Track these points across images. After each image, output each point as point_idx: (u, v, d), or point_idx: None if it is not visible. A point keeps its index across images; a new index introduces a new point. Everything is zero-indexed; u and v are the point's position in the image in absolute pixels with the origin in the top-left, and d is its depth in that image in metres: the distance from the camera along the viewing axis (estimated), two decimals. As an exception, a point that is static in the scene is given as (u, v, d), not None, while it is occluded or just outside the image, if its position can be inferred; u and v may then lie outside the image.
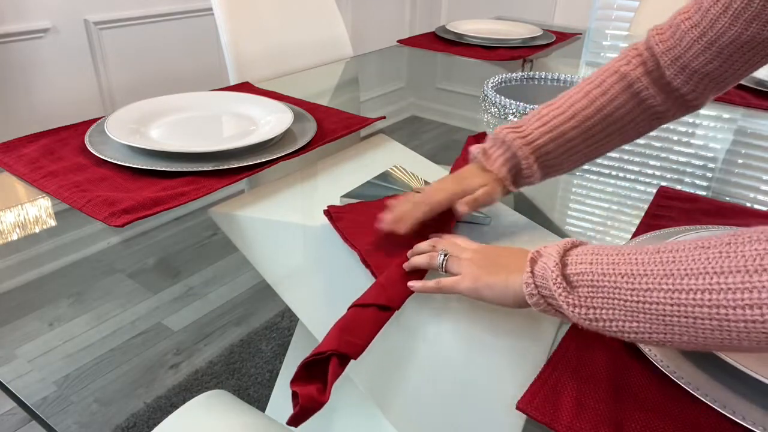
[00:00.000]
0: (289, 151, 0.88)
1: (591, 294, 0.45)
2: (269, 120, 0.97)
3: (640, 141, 1.06)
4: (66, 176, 0.79)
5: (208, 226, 0.76)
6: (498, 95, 1.17)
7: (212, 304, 1.56)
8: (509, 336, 0.56)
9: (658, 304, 0.42)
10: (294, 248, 0.70)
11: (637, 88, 0.66)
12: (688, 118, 1.18)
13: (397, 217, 0.66)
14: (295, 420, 0.44)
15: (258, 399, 1.32)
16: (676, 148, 1.03)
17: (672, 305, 0.41)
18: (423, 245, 0.63)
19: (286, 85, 1.29)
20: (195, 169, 0.81)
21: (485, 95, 1.21)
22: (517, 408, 0.46)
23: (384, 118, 1.07)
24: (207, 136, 0.92)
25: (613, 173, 0.93)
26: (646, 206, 0.79)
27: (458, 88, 1.37)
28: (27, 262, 0.79)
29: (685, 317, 0.40)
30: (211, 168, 0.81)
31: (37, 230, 0.77)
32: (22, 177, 0.80)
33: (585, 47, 1.73)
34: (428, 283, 0.58)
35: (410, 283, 0.58)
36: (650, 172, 0.93)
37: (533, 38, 1.67)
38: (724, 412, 0.46)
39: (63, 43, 1.86)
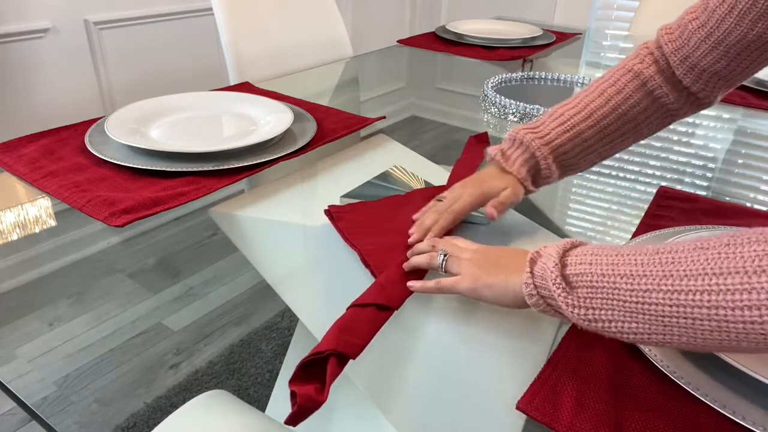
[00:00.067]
0: (289, 151, 0.88)
1: (590, 294, 0.45)
2: (269, 120, 0.97)
3: (641, 141, 1.05)
4: (66, 176, 0.79)
5: (208, 226, 0.76)
6: (498, 95, 1.17)
7: (212, 304, 1.56)
8: (509, 336, 0.56)
9: (657, 304, 0.42)
10: (294, 248, 0.70)
11: (650, 86, 0.67)
12: (688, 118, 1.18)
13: (425, 229, 0.66)
14: (293, 419, 0.44)
15: (258, 399, 1.32)
16: (676, 148, 1.03)
17: (671, 306, 0.41)
18: (423, 245, 0.63)
19: (286, 85, 1.29)
20: (195, 169, 0.81)
21: (485, 95, 1.21)
22: (517, 408, 0.46)
23: (384, 118, 1.07)
24: (207, 136, 0.92)
25: (613, 173, 0.93)
26: (646, 206, 0.79)
27: (458, 88, 1.37)
28: (27, 262, 0.79)
29: (684, 318, 0.40)
30: (211, 168, 0.81)
31: (37, 230, 0.77)
32: (22, 177, 0.80)
33: (585, 47, 1.73)
34: (428, 283, 0.58)
35: (410, 283, 0.58)
36: (650, 172, 0.93)
37: (533, 38, 1.67)
38: (724, 412, 0.46)
39: (63, 43, 1.86)
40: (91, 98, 1.99)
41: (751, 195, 0.87)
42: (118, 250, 0.89)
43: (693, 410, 0.46)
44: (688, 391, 0.47)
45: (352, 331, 0.51)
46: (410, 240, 0.67)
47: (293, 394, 0.45)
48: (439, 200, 0.70)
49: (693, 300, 0.40)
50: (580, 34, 1.85)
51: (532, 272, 0.50)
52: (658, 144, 1.05)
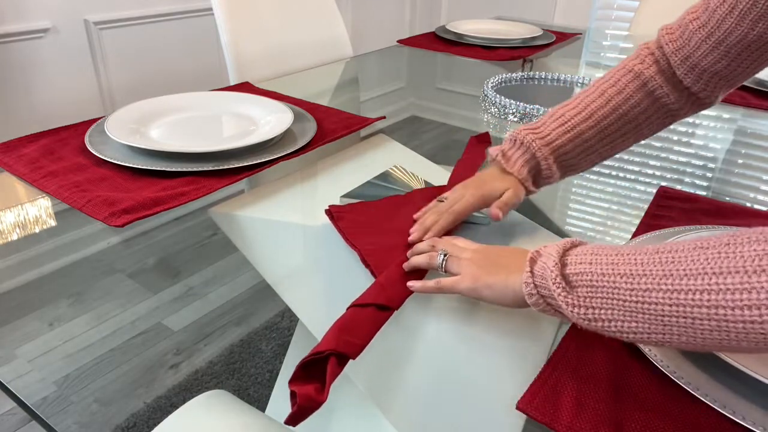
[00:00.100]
0: (289, 151, 0.88)
1: (590, 294, 0.45)
2: (269, 120, 0.97)
3: (641, 141, 1.05)
4: (66, 176, 0.79)
5: (208, 226, 0.76)
6: (498, 95, 1.17)
7: (212, 304, 1.56)
8: (509, 336, 0.56)
9: (656, 304, 0.42)
10: (294, 248, 0.70)
11: (651, 86, 0.67)
12: (688, 118, 1.18)
13: (425, 229, 0.67)
14: (293, 419, 0.44)
15: (258, 399, 1.32)
16: (676, 148, 1.03)
17: (671, 305, 0.41)
18: (422, 245, 0.63)
19: (286, 85, 1.29)
20: (195, 169, 0.81)
21: (485, 95, 1.21)
22: (517, 408, 0.46)
23: (384, 118, 1.07)
24: (207, 136, 0.92)
25: (613, 173, 0.93)
26: (646, 206, 0.79)
27: (458, 88, 1.37)
28: (27, 262, 0.79)
29: (684, 317, 0.40)
30: (211, 168, 0.81)
31: (37, 230, 0.77)
32: (22, 177, 0.80)
33: (585, 47, 1.73)
34: (428, 283, 0.58)
35: (410, 283, 0.58)
36: (650, 172, 0.93)
37: (533, 38, 1.67)
38: (724, 412, 0.46)
39: (63, 43, 1.86)
40: (91, 98, 1.99)
41: (751, 195, 0.87)
42: (118, 250, 0.89)
43: (693, 410, 0.46)
44: (688, 391, 0.47)
45: (352, 331, 0.51)
46: (410, 239, 0.67)
47: (293, 394, 0.45)
48: (441, 201, 0.70)
49: (693, 299, 0.40)
50: (580, 34, 1.85)
51: (532, 272, 0.50)
52: (658, 144, 1.05)
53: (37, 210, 0.79)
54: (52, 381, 1.28)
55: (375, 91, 1.33)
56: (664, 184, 0.87)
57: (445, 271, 0.59)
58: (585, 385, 0.48)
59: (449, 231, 0.69)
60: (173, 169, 0.81)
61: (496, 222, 0.74)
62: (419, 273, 0.61)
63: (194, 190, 0.77)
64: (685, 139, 1.07)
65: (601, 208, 0.83)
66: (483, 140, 0.97)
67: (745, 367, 0.47)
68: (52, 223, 0.78)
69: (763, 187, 0.90)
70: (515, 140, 0.71)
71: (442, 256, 0.59)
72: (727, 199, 0.85)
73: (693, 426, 0.45)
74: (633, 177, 0.91)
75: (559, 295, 0.47)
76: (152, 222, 0.74)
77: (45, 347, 1.32)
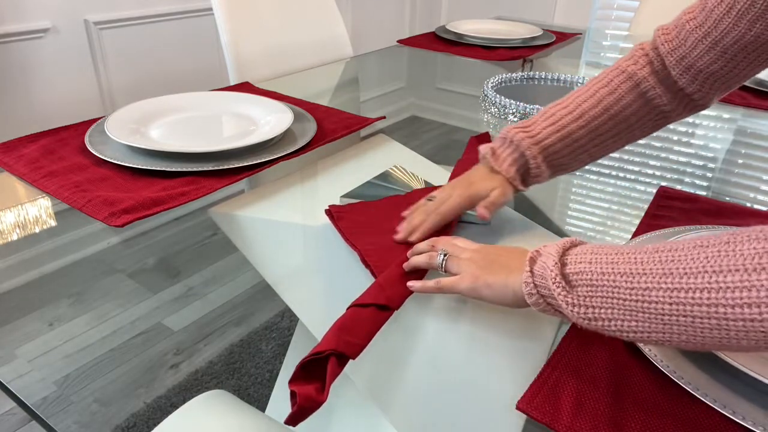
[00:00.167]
0: (289, 151, 0.88)
1: (590, 293, 0.45)
2: (269, 120, 0.97)
3: (640, 141, 1.05)
4: (66, 176, 0.79)
5: (208, 226, 0.76)
6: (498, 95, 1.17)
7: (212, 304, 1.56)
8: (509, 336, 0.56)
9: (656, 303, 0.42)
10: (294, 248, 0.70)
11: (644, 87, 0.66)
12: (688, 118, 1.18)
13: (412, 228, 0.67)
14: (293, 419, 0.44)
15: (258, 399, 1.32)
16: (676, 148, 1.03)
17: (671, 304, 0.41)
18: (422, 245, 0.63)
19: (286, 85, 1.29)
20: (195, 169, 0.81)
21: (485, 95, 1.21)
22: (517, 408, 0.46)
23: (384, 118, 1.07)
24: (207, 136, 0.92)
25: (613, 173, 0.93)
26: (646, 206, 0.79)
27: (458, 88, 1.37)
28: (27, 262, 0.79)
29: (684, 316, 0.40)
30: (211, 168, 0.81)
31: (37, 230, 0.77)
32: (22, 177, 0.80)
33: (585, 47, 1.73)
34: (428, 283, 0.58)
35: (410, 283, 0.58)
36: (650, 172, 0.93)
37: (533, 38, 1.67)
38: (724, 412, 0.46)
39: (63, 43, 1.86)
40: (91, 98, 1.99)
41: (751, 195, 0.87)
42: (118, 250, 0.89)
43: (693, 410, 0.46)
44: (688, 391, 0.47)
45: (352, 331, 0.51)
46: (396, 238, 0.67)
47: (293, 394, 0.45)
48: (430, 199, 0.70)
49: (692, 298, 0.40)
50: (580, 34, 1.85)
51: (531, 271, 0.50)
52: (658, 144, 1.05)
53: (37, 210, 0.79)
54: (52, 381, 1.28)
55: (375, 91, 1.33)
56: (664, 184, 0.87)
57: (445, 271, 0.59)
58: (585, 385, 0.48)
59: (446, 231, 0.69)
60: (173, 169, 0.81)
61: (495, 222, 0.74)
62: (419, 273, 0.61)
63: (194, 190, 0.77)
64: (685, 139, 1.07)
65: (601, 208, 0.83)
66: (483, 140, 0.97)
67: (745, 367, 0.47)
68: (52, 223, 0.78)
69: (763, 187, 0.90)
70: (505, 138, 0.71)
71: (442, 255, 0.59)
72: (727, 199, 0.85)
73: (693, 426, 0.45)
74: (633, 177, 0.91)
75: (559, 294, 0.47)
76: (152, 222, 0.74)
77: (45, 347, 1.32)
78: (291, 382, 0.46)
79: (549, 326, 0.57)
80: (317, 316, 0.58)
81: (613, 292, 0.44)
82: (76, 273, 0.84)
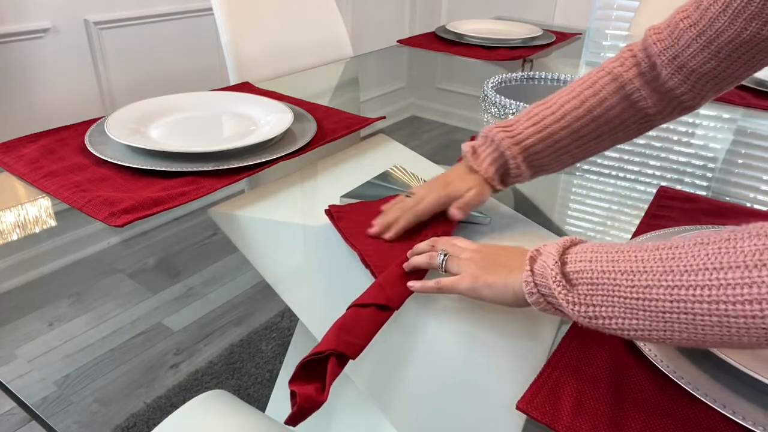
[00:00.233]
0: (289, 151, 0.88)
1: (590, 292, 0.45)
2: (269, 120, 0.97)
3: (640, 141, 1.05)
4: (66, 176, 0.79)
5: (208, 226, 0.76)
6: (498, 95, 1.17)
7: (212, 304, 1.56)
8: (509, 336, 0.56)
9: (657, 300, 0.41)
10: (294, 248, 0.70)
11: (628, 89, 0.66)
12: (688, 118, 1.18)
13: (386, 224, 0.68)
14: (293, 419, 0.44)
15: (258, 399, 1.32)
16: (676, 148, 1.03)
17: (671, 302, 0.41)
18: (422, 245, 0.63)
19: (286, 85, 1.29)
20: (195, 169, 0.81)
21: (485, 95, 1.21)
22: (517, 408, 0.46)
23: (384, 118, 1.07)
24: (207, 136, 0.92)
25: (613, 173, 0.93)
26: (646, 206, 0.79)
27: (458, 88, 1.37)
28: (27, 262, 0.79)
29: (685, 313, 0.40)
30: (211, 168, 0.81)
31: (37, 230, 0.77)
32: (22, 177, 0.80)
33: (585, 47, 1.73)
34: (428, 283, 0.58)
35: (410, 284, 0.58)
36: (650, 172, 0.93)
37: (533, 38, 1.67)
38: (724, 412, 0.46)
39: (63, 43, 1.86)
40: (91, 98, 1.99)
41: (751, 195, 0.87)
42: (118, 250, 0.89)
43: (693, 410, 0.46)
44: (688, 391, 0.47)
45: (352, 331, 0.51)
46: (370, 232, 0.68)
47: (293, 394, 0.45)
48: (408, 195, 0.70)
49: (693, 295, 0.40)
50: (580, 34, 1.85)
51: (532, 270, 0.50)
52: (658, 144, 1.05)
53: (37, 210, 0.79)
54: (52, 381, 1.28)
55: (375, 91, 1.33)
56: (664, 184, 0.87)
57: (445, 271, 0.59)
58: (585, 385, 0.48)
59: (446, 231, 0.69)
60: (173, 169, 0.81)
61: (495, 222, 0.74)
62: (419, 273, 0.61)
63: (194, 190, 0.77)
64: (685, 139, 1.07)
65: (601, 208, 0.83)
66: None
67: (745, 367, 0.47)
68: (52, 223, 0.78)
69: (763, 187, 0.90)
70: (487, 137, 0.71)
71: (442, 255, 0.59)
72: (727, 199, 0.85)
73: (693, 426, 0.45)
74: (633, 177, 0.91)
75: (560, 293, 0.47)
76: (152, 222, 0.74)
77: (45, 347, 1.32)
78: (291, 382, 0.46)
79: (549, 326, 0.57)
80: (317, 316, 0.58)
81: (613, 291, 0.44)
82: (76, 273, 0.84)
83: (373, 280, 0.62)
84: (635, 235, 0.70)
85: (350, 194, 0.78)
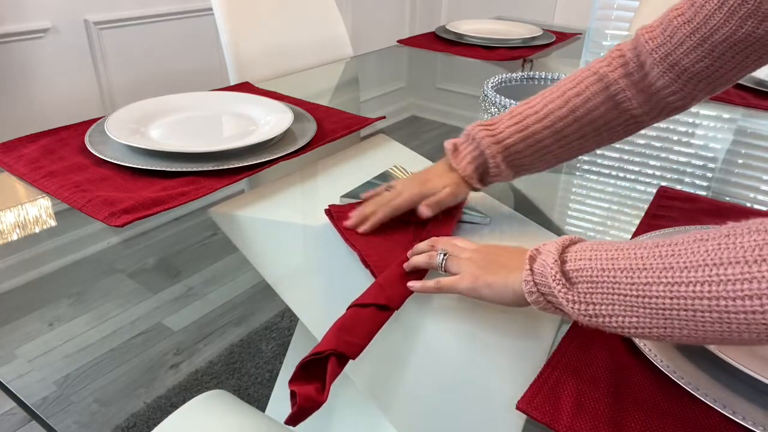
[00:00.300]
0: (289, 151, 0.88)
1: (590, 290, 0.45)
2: (269, 120, 0.97)
3: (640, 141, 1.06)
4: (66, 176, 0.79)
5: (208, 226, 0.76)
6: (498, 95, 1.17)
7: (212, 304, 1.56)
8: (509, 336, 0.56)
9: (657, 297, 0.41)
10: (294, 248, 0.70)
11: (613, 90, 0.65)
12: (689, 119, 1.18)
13: (363, 217, 0.69)
14: (293, 419, 0.44)
15: (258, 399, 1.32)
16: (676, 148, 1.03)
17: (672, 298, 0.41)
18: (422, 245, 0.63)
19: (286, 85, 1.29)
20: (195, 169, 0.81)
21: (485, 95, 1.21)
22: (517, 408, 0.46)
23: (384, 118, 1.07)
24: (207, 136, 0.92)
25: (613, 173, 0.93)
26: (646, 206, 0.79)
27: (458, 88, 1.37)
28: (27, 262, 0.79)
29: (685, 310, 0.40)
30: (211, 168, 0.81)
31: (37, 230, 0.77)
32: (22, 177, 0.80)
33: (585, 47, 1.73)
34: (428, 283, 0.58)
35: (410, 284, 0.58)
36: (650, 172, 0.93)
37: (533, 38, 1.67)
38: (724, 412, 0.46)
39: (63, 43, 1.86)
40: (91, 98, 1.99)
41: (751, 195, 0.87)
42: (118, 250, 0.89)
43: (693, 410, 0.46)
44: (688, 391, 0.47)
45: (352, 331, 0.51)
46: (347, 224, 0.69)
47: (293, 394, 0.45)
48: (388, 189, 0.71)
49: (693, 291, 0.39)
50: (580, 34, 1.85)
51: (531, 269, 0.50)
52: (658, 144, 1.05)
53: (37, 210, 0.79)
54: (52, 381, 1.28)
55: (375, 91, 1.33)
56: (664, 184, 0.87)
57: (445, 271, 0.59)
58: (585, 385, 0.48)
59: (446, 230, 0.69)
60: (173, 169, 0.81)
61: (495, 222, 0.74)
62: (419, 273, 0.61)
63: (194, 190, 0.77)
64: (685, 139, 1.07)
65: (601, 208, 0.83)
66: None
67: (745, 367, 0.47)
68: (52, 223, 0.78)
69: (763, 187, 0.90)
70: (468, 135, 0.70)
71: (442, 255, 0.59)
72: (727, 199, 0.85)
73: (693, 426, 0.45)
74: (633, 177, 0.91)
75: (560, 292, 0.47)
76: (152, 222, 0.74)
77: (45, 347, 1.32)
78: (291, 382, 0.46)
79: (549, 326, 0.57)
80: (317, 316, 0.58)
81: (613, 288, 0.44)
82: (76, 273, 0.84)
83: (373, 280, 0.62)
84: (635, 235, 0.70)
85: (350, 194, 0.78)
